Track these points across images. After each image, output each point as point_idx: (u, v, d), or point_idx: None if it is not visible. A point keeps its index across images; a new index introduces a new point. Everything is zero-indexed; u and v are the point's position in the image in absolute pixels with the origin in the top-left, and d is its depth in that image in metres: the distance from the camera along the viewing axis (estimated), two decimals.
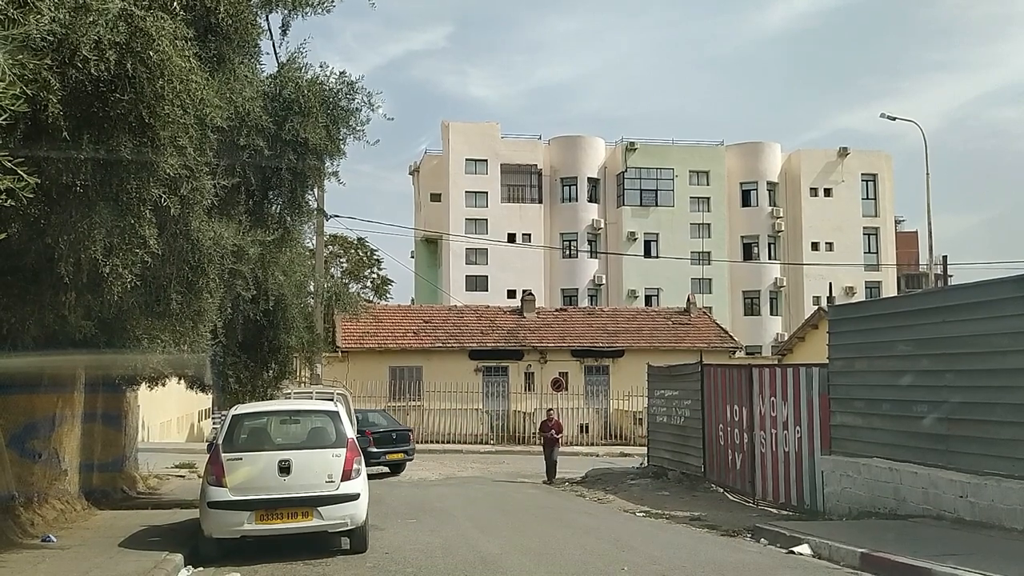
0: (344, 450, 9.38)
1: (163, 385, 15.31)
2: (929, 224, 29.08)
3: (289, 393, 15.57)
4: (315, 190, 9.30)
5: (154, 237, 7.41)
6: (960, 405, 10.56)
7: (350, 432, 9.61)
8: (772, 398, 14.88)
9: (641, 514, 13.68)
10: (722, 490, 16.67)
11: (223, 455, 9.19)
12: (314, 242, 19.15)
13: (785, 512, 13.85)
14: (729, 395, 16.55)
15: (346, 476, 9.28)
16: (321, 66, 9.00)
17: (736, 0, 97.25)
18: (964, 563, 7.76)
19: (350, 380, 31.44)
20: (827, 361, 13.35)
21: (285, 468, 9.11)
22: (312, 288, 15.06)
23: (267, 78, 8.79)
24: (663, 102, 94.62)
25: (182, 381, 14.84)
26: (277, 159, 8.59)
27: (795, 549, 9.50)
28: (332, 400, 16.05)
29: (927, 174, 30.77)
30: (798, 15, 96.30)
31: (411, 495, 16.95)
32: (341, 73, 9.06)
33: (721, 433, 16.86)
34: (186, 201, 7.81)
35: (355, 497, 9.27)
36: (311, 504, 9.08)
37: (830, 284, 16.14)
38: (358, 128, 9.03)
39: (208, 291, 8.15)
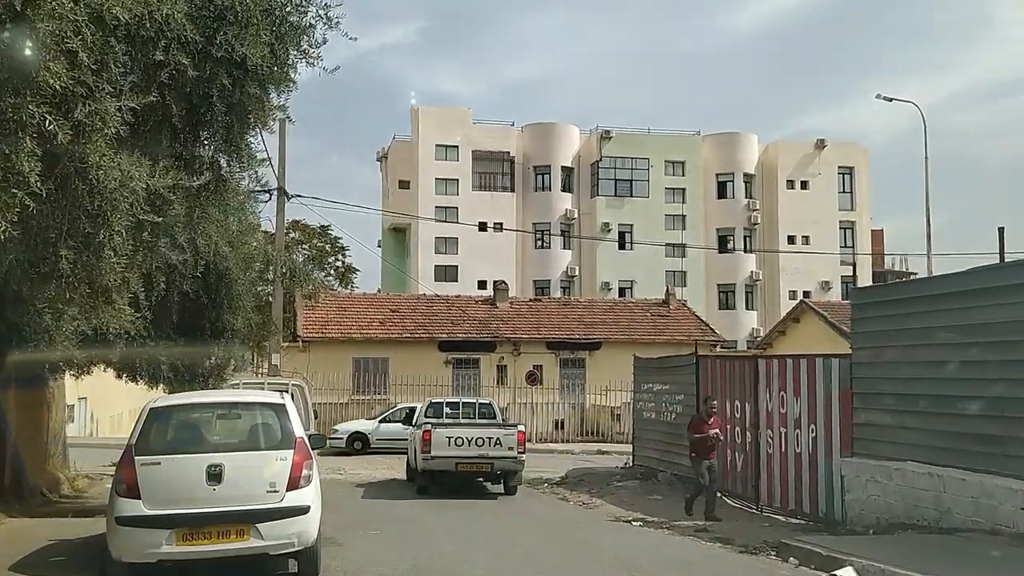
0: (291, 452, 7.56)
1: (89, 373, 13.35)
2: (928, 211, 27.91)
3: (237, 384, 13.66)
4: (258, 129, 7.39)
5: (37, 173, 5.60)
6: (1018, 401, 9.03)
7: (299, 430, 7.78)
8: (782, 392, 13.31)
9: (637, 524, 12.03)
10: (719, 494, 15.08)
11: (136, 459, 7.34)
12: (261, 211, 17.24)
13: (797, 521, 12.32)
14: (729, 389, 14.96)
15: (293, 484, 7.47)
16: None
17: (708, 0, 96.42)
18: None
19: (311, 372, 29.53)
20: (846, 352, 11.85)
21: (215, 475, 7.28)
22: (263, 263, 13.13)
23: None
24: (637, 100, 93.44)
25: (108, 369, 12.89)
26: (207, 84, 6.75)
27: (837, 573, 7.87)
28: (284, 392, 14.28)
29: (925, 158, 29.61)
30: (767, 15, 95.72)
31: (378, 500, 15.16)
32: None
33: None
34: (81, 128, 5.99)
35: (304, 511, 7.46)
36: (248, 520, 7.26)
37: (830, 280, 14.71)
38: (312, 50, 7.24)
39: (112, 248, 6.30)
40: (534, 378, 30.62)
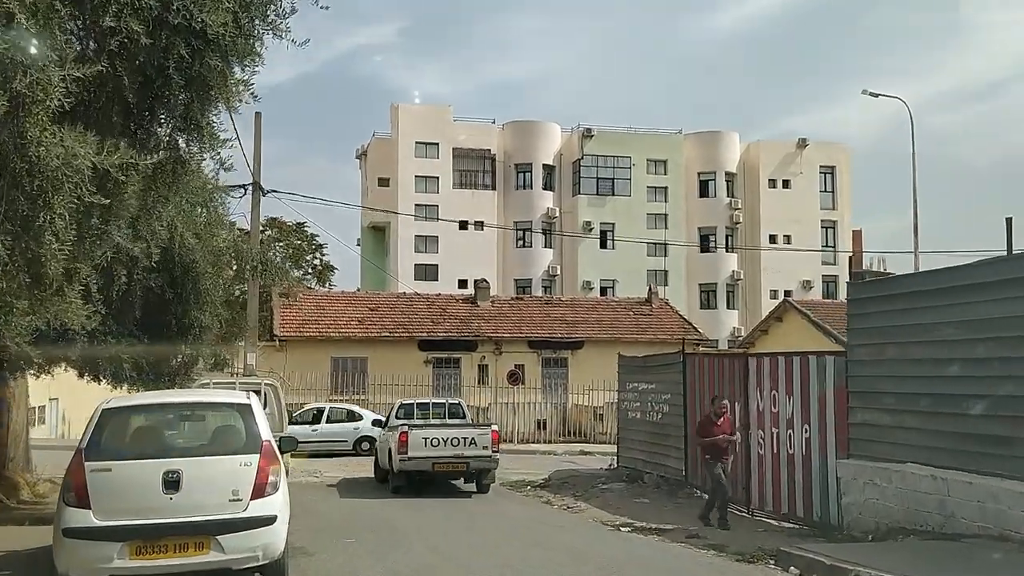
0: (257, 457, 6.96)
1: (49, 373, 12.65)
2: (915, 207, 27.64)
3: (207, 383, 13.03)
4: (221, 107, 6.78)
5: None
6: None
7: (266, 432, 7.18)
8: (773, 392, 12.84)
9: (626, 529, 11.51)
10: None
11: (86, 464, 6.71)
12: (235, 206, 16.59)
13: (790, 525, 11.88)
14: (718, 388, 14.45)
15: (258, 492, 6.87)
16: None
17: (685, 3, 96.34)
18: None
19: (288, 371, 28.87)
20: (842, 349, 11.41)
21: (173, 482, 6.67)
22: (231, 256, 12.47)
23: None
24: (619, 101, 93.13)
25: (69, 368, 12.19)
26: (163, 54, 6.15)
27: None
28: (258, 392, 13.67)
29: (912, 154, 29.30)
30: (746, 18, 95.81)
31: (353, 504, 14.57)
32: None
33: None
34: (20, 100, 5.40)
35: (269, 521, 6.86)
36: (208, 531, 6.66)
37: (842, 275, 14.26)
38: (280, 20, 6.65)
39: (54, 233, 5.68)
40: (516, 378, 30.08)
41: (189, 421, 7.66)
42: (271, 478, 6.96)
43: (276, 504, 6.96)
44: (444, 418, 17.93)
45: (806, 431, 11.95)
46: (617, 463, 18.52)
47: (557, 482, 17.24)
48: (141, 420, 7.40)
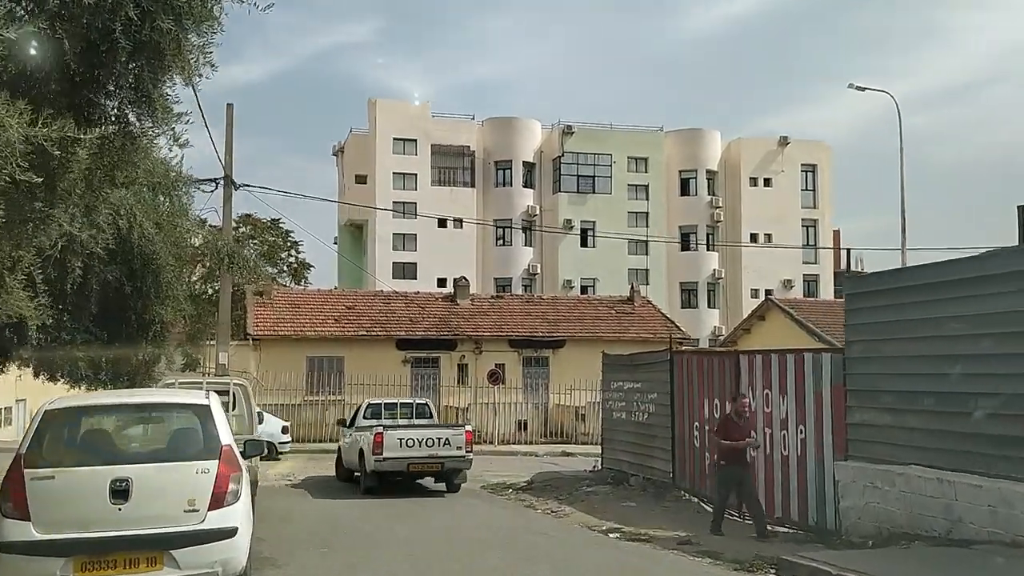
0: (215, 463, 6.34)
1: (3, 371, 11.90)
2: (903, 204, 27.34)
3: (172, 383, 12.32)
4: (176, 77, 6.13)
5: None
6: None
7: (226, 436, 6.55)
8: (766, 391, 12.34)
9: (614, 535, 10.95)
10: (697, 500, 14.12)
11: (26, 472, 6.07)
12: (205, 200, 15.77)
13: (785, 530, 11.37)
14: (708, 388, 13.99)
15: (217, 502, 6.25)
16: None
17: (662, 4, 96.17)
18: None
19: (263, 371, 28.13)
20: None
21: (122, 491, 6.04)
22: (190, 245, 11.76)
23: None
24: (599, 100, 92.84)
25: (22, 367, 11.46)
26: (109, 15, 5.51)
27: None
28: (226, 392, 12.98)
29: (900, 150, 29.02)
30: (723, 19, 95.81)
31: (324, 508, 13.93)
32: None
33: (697, 433, 14.28)
34: None
35: (230, 533, 6.24)
36: (161, 546, 6.03)
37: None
38: None
39: None
40: (496, 377, 29.44)
41: (142, 424, 7.02)
42: (231, 486, 6.33)
43: (237, 514, 6.34)
44: (411, 418, 17.97)
45: (801, 432, 11.45)
46: (601, 465, 17.97)
47: (540, 485, 16.66)
48: (88, 422, 6.73)
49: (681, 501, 14.24)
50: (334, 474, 18.36)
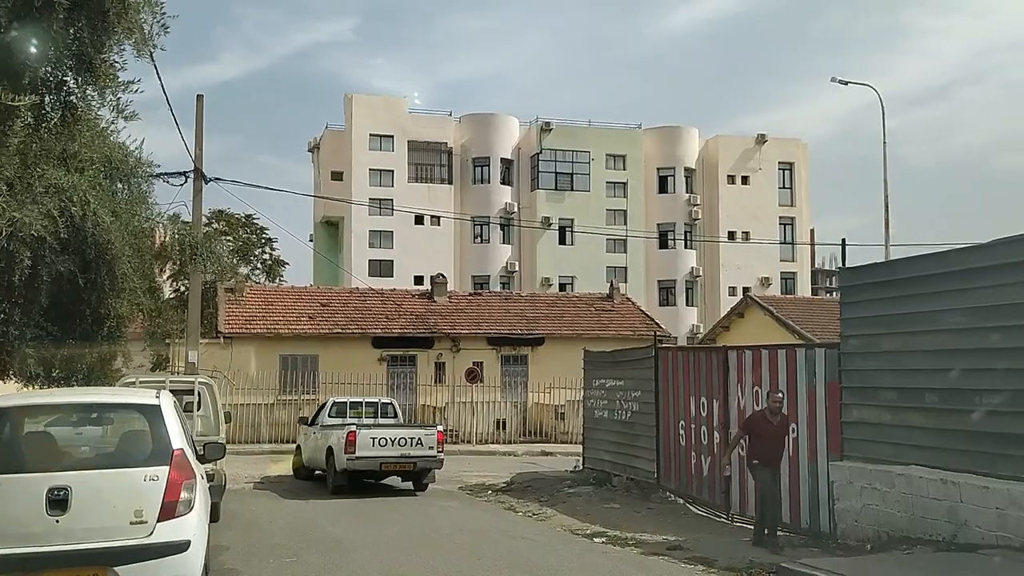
0: (166, 469, 5.72)
1: None
2: (886, 198, 27.06)
3: (132, 382, 11.63)
4: (123, 41, 5.49)
5: None
6: None
7: (178, 440, 5.92)
8: (756, 388, 11.89)
9: (599, 540, 10.41)
10: (683, 500, 13.66)
11: None
12: (171, 197, 15.08)
13: (780, 533, 10.85)
14: (694, 385, 13.51)
15: (168, 512, 5.63)
16: None
17: (637, 4, 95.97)
18: None
19: (234, 370, 27.29)
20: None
21: (60, 501, 5.41)
22: (146, 233, 11.05)
23: None
24: (577, 99, 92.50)
25: None
26: None
27: None
28: (191, 391, 12.32)
29: (883, 143, 28.77)
30: (698, 21, 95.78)
31: (293, 510, 13.29)
32: None
33: (682, 432, 13.82)
34: None
35: (181, 547, 5.62)
36: (104, 562, 5.40)
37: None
38: None
39: None
40: (474, 376, 28.86)
41: (84, 425, 6.36)
42: (184, 495, 5.71)
43: (190, 526, 5.71)
44: (376, 417, 17.90)
45: (793, 430, 10.99)
46: (583, 464, 17.46)
47: (520, 486, 16.12)
48: (22, 424, 6.06)
49: (667, 502, 13.76)
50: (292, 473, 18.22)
